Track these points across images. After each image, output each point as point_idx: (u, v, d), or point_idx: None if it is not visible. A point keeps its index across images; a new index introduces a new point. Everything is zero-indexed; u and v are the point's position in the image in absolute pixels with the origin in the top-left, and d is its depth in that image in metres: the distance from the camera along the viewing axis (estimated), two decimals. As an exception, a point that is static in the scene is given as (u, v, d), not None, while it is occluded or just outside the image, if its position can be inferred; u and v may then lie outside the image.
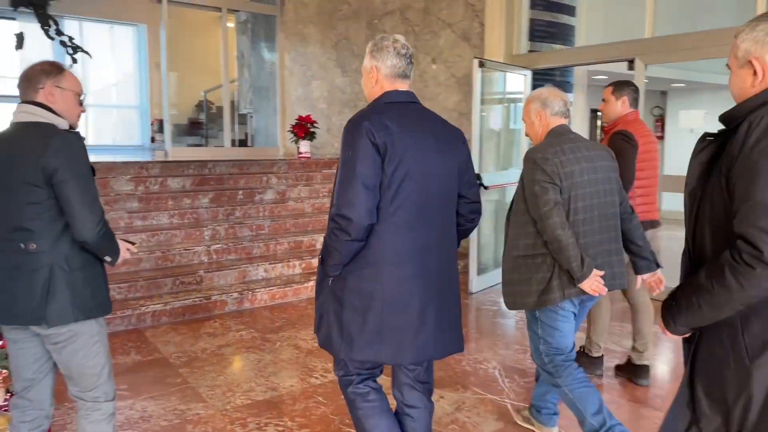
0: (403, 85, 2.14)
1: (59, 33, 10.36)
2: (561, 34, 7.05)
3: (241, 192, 6.68)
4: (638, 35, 5.79)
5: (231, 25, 11.41)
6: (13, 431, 2.20)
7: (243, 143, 10.94)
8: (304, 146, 7.89)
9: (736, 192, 1.39)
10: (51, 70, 2.11)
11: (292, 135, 8.00)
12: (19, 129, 2.06)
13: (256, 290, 5.24)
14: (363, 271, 2.01)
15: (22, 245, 2.00)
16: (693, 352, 1.56)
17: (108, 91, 13.38)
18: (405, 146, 1.99)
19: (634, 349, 3.63)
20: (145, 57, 13.17)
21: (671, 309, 1.56)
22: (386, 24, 7.59)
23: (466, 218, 2.23)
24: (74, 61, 10.80)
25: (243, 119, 11.32)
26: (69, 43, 10.60)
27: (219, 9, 9.00)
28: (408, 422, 2.27)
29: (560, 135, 2.64)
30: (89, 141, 12.32)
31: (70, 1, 10.92)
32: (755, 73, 1.47)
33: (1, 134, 2.09)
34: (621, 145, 3.22)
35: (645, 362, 3.59)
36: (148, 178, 6.52)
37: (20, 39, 10.56)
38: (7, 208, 2.02)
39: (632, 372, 3.61)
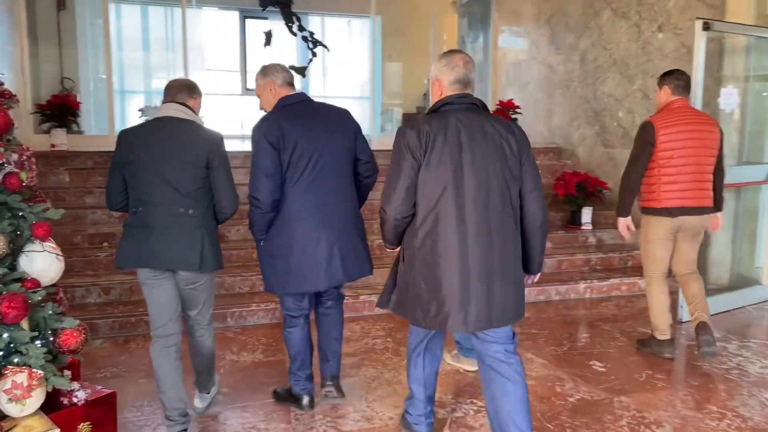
0: (292, 90, 2.88)
1: (301, 29, 10.97)
2: None
3: (424, 183, 6.24)
4: None
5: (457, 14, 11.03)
6: (161, 355, 2.74)
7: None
8: (505, 134, 7.13)
9: None
10: (199, 89, 2.85)
11: (492, 122, 7.30)
12: (182, 123, 2.69)
13: (413, 293, 4.76)
14: (281, 230, 2.77)
15: (182, 210, 2.61)
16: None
17: (344, 83, 13.90)
18: (295, 135, 2.72)
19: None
20: (380, 48, 13.42)
21: None
22: (605, -11, 6.44)
23: (363, 175, 2.96)
24: (314, 55, 11.39)
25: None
26: (310, 39, 11.20)
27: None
28: (323, 320, 3.12)
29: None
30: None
31: (313, -3, 11.44)
32: (439, 89, 2.37)
33: (162, 123, 2.69)
34: (636, 134, 3.63)
35: (702, 320, 3.66)
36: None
37: (268, 37, 11.43)
38: (176, 182, 2.60)
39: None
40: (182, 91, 2.76)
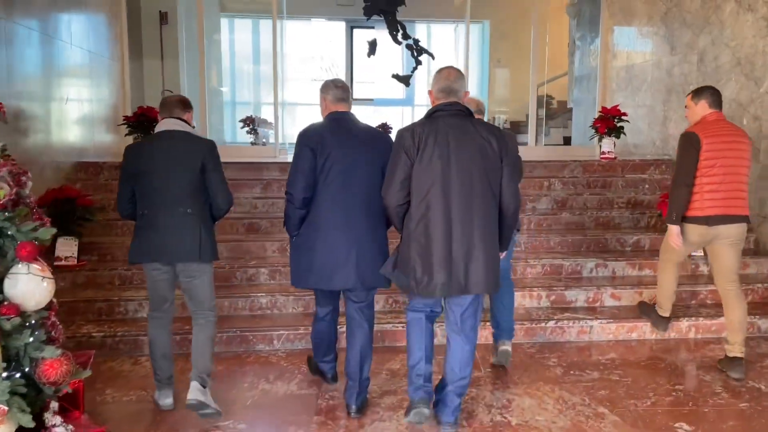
0: (342, 107, 3.16)
1: (406, 37, 10.69)
2: None
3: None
4: None
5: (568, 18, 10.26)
6: (156, 330, 3.22)
7: (569, 141, 9.75)
8: (607, 144, 6.41)
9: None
10: (191, 105, 3.25)
11: (593, 131, 6.58)
12: (179, 134, 3.09)
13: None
14: (310, 229, 3.07)
15: (182, 209, 3.00)
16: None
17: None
18: (332, 146, 3.04)
19: (726, 341, 3.79)
20: (487, 53, 12.89)
21: None
22: (729, -22, 5.56)
23: None
24: (418, 63, 11.08)
25: (570, 115, 10.08)
26: (414, 47, 10.90)
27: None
28: (352, 330, 3.22)
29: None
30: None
31: (418, 4, 11.21)
32: (432, 97, 2.89)
33: (163, 137, 3.09)
34: (679, 144, 3.73)
35: (737, 354, 3.66)
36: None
37: (373, 46, 11.26)
38: (177, 185, 3.00)
39: (725, 364, 3.73)
40: (177, 107, 3.17)
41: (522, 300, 4.52)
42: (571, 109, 10.05)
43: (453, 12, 12.39)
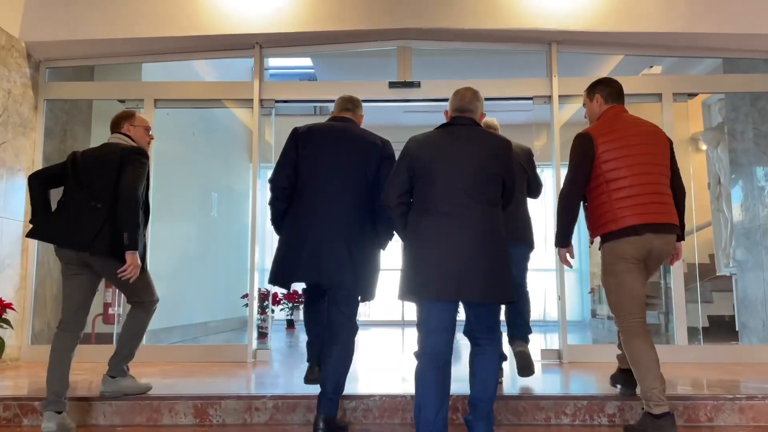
0: (346, 114, 3.31)
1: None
2: None
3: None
4: None
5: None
6: (58, 339, 3.12)
7: (729, 331, 6.17)
8: None
9: None
10: (127, 115, 3.54)
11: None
12: (114, 144, 3.37)
13: None
14: (287, 225, 3.12)
15: (93, 203, 3.17)
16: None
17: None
18: (319, 145, 3.12)
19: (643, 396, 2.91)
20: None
21: None
22: None
23: (378, 205, 3.02)
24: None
25: (726, 285, 6.71)
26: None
27: (658, 96, 5.11)
28: (331, 316, 3.11)
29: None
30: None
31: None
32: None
33: (102, 146, 3.40)
34: (571, 149, 3.12)
35: (665, 410, 2.72)
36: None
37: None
38: (94, 182, 3.21)
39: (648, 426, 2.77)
40: (119, 124, 3.46)
41: None
42: (723, 278, 6.77)
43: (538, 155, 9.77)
